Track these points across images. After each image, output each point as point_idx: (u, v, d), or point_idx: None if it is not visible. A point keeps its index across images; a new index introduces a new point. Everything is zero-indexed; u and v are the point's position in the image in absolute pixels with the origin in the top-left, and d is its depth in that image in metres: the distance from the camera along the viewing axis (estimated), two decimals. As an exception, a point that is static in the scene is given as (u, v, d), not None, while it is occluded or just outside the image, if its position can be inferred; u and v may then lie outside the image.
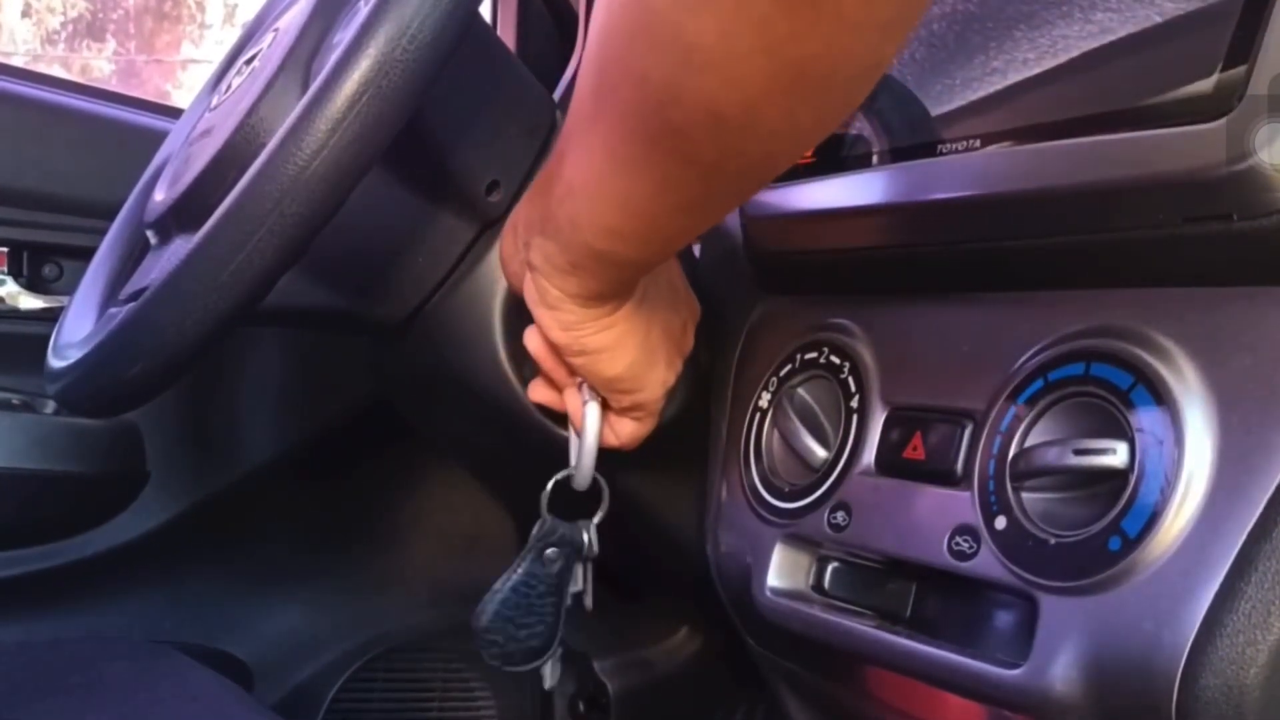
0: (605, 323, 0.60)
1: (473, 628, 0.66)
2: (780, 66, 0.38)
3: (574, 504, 0.68)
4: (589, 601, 0.68)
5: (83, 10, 3.16)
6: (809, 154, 0.63)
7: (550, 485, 0.66)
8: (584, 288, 0.57)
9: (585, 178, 0.51)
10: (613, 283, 0.57)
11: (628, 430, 0.65)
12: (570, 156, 0.52)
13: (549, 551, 0.66)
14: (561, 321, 0.59)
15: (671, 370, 0.65)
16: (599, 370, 0.62)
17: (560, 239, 0.55)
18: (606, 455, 0.66)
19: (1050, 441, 0.50)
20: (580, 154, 0.51)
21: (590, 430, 0.64)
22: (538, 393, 0.67)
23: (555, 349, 0.62)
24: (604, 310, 0.59)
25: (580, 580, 0.68)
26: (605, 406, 0.64)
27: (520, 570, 0.66)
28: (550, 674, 0.67)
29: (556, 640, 0.66)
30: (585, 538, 0.67)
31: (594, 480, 0.66)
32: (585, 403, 0.64)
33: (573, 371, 0.63)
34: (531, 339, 0.64)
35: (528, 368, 0.69)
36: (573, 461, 0.66)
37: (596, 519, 0.67)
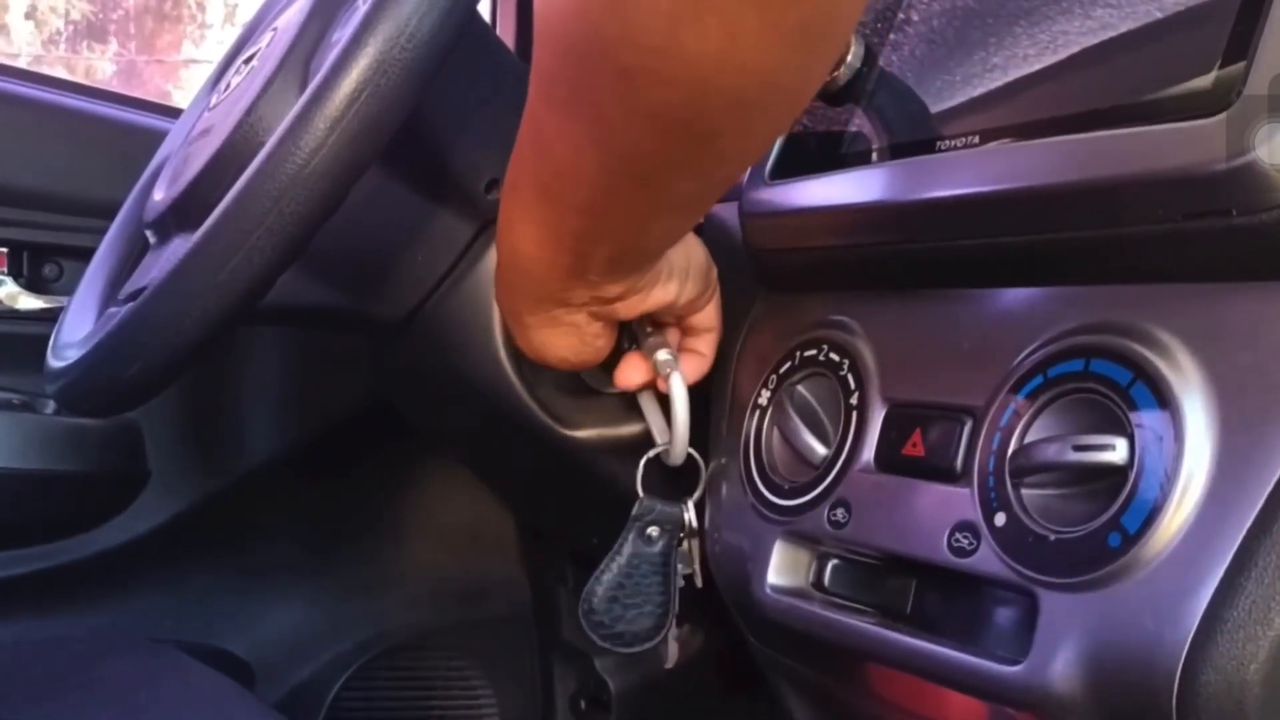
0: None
1: (580, 611, 0.65)
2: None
3: (669, 482, 0.67)
4: (699, 580, 0.67)
5: (86, 13, 3.16)
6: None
7: (643, 464, 0.65)
8: (630, 266, 0.57)
9: (559, 144, 0.48)
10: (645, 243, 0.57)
11: (695, 367, 0.66)
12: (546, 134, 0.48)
13: (650, 530, 0.65)
14: (573, 340, 0.59)
15: (699, 247, 0.65)
16: (694, 283, 0.62)
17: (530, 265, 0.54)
18: (606, 454, 0.66)
19: (1050, 438, 0.50)
20: (558, 122, 0.47)
21: (680, 401, 0.63)
22: (628, 376, 0.66)
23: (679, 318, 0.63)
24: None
25: (691, 560, 0.67)
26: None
27: (624, 551, 0.65)
28: (669, 654, 0.66)
29: (670, 619, 0.65)
30: (686, 516, 0.66)
31: (689, 456, 0.66)
32: (669, 375, 0.63)
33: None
34: (627, 373, 0.65)
35: (527, 366, 0.69)
36: (658, 439, 0.65)
37: (695, 496, 0.66)
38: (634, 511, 0.65)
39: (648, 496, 0.65)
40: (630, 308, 0.60)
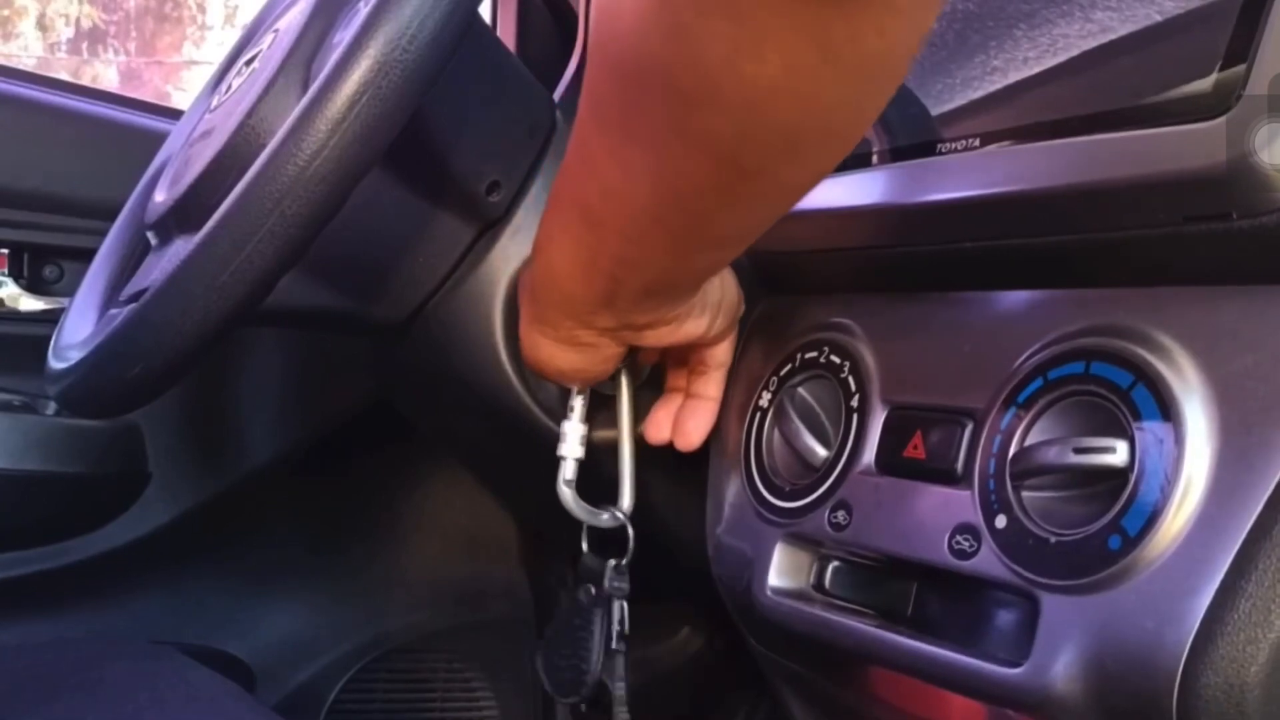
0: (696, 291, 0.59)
1: (538, 660, 0.68)
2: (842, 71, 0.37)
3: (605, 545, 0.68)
4: (614, 643, 0.68)
5: (97, 20, 3.16)
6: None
7: (585, 530, 0.67)
8: (662, 298, 0.56)
9: (610, 176, 0.47)
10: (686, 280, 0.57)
11: (704, 417, 0.67)
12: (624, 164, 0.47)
13: (588, 586, 0.67)
14: (676, 327, 0.59)
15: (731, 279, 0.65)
16: (724, 318, 0.63)
17: (624, 294, 0.54)
18: (606, 457, 0.66)
19: (1050, 440, 0.50)
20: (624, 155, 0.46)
21: (628, 459, 0.66)
22: (659, 432, 0.67)
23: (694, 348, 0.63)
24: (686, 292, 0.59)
25: (614, 620, 0.68)
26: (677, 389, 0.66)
27: (566, 604, 0.67)
28: (616, 714, 0.68)
29: (588, 677, 0.66)
30: (607, 579, 0.67)
31: (619, 521, 0.67)
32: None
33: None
34: (655, 429, 0.67)
35: (528, 368, 0.69)
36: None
37: (624, 560, 0.67)
38: (579, 567, 0.67)
39: (588, 553, 0.67)
40: (660, 337, 0.59)
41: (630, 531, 0.67)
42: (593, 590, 0.66)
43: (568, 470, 0.66)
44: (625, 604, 0.67)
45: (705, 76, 0.38)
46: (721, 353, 0.67)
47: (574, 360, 0.59)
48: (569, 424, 0.66)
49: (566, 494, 0.66)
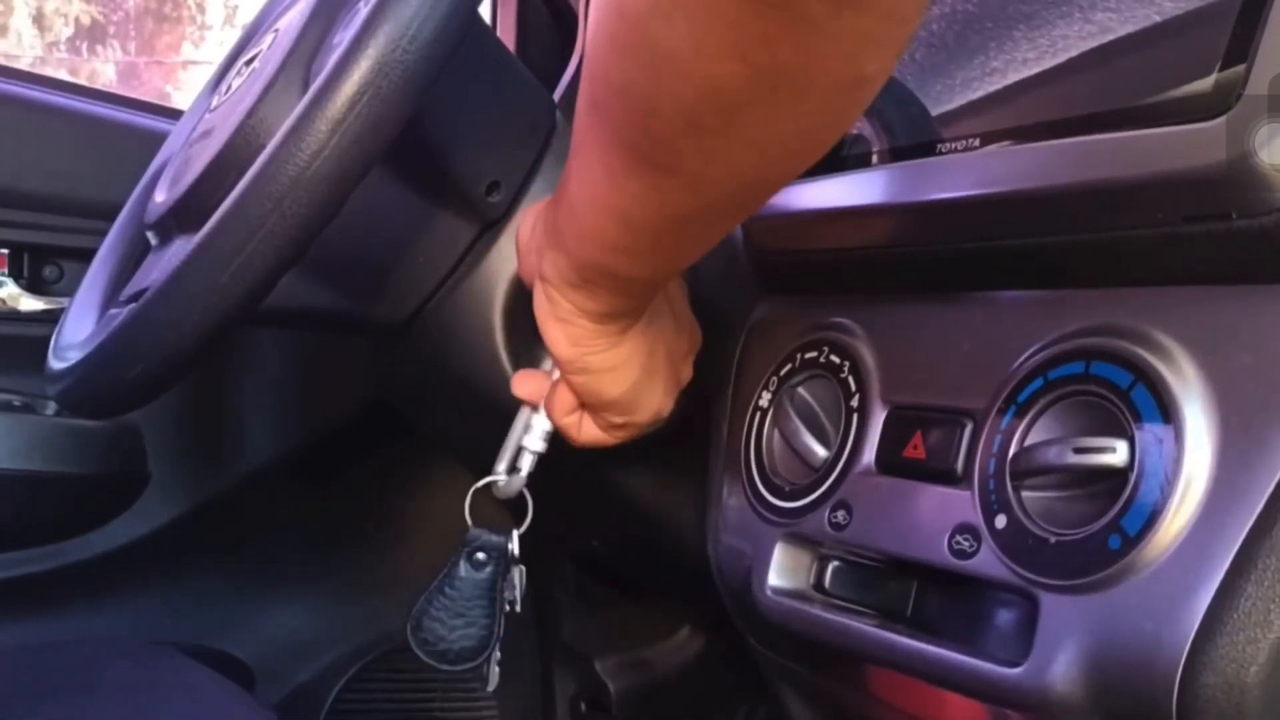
0: (612, 340, 0.58)
1: (408, 628, 0.66)
2: (754, 72, 0.38)
3: (500, 513, 0.68)
4: (518, 607, 0.68)
5: (95, 16, 3.16)
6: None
7: (470, 494, 0.66)
8: (595, 303, 0.56)
9: (585, 191, 0.50)
10: (623, 298, 0.56)
11: (591, 436, 0.64)
12: (573, 169, 0.52)
13: (478, 555, 0.67)
14: (570, 336, 0.57)
15: (668, 399, 0.64)
16: (599, 390, 0.60)
17: (567, 252, 0.54)
18: (607, 454, 0.66)
19: (1050, 440, 0.50)
20: (580, 166, 0.50)
21: (536, 438, 0.64)
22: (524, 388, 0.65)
23: (558, 364, 0.60)
24: (613, 329, 0.58)
25: (515, 587, 0.68)
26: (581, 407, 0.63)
27: (454, 575, 0.66)
28: (491, 677, 0.68)
29: (492, 643, 0.67)
30: (510, 546, 0.67)
31: (520, 493, 0.66)
32: (532, 413, 0.64)
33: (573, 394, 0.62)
34: (522, 385, 0.64)
35: (527, 367, 0.69)
36: (500, 467, 0.65)
37: (522, 528, 0.67)
38: (463, 538, 0.66)
39: (476, 525, 0.67)
40: (586, 384, 0.60)
41: (529, 501, 0.67)
42: (483, 557, 0.66)
43: (525, 462, 0.64)
44: (522, 571, 0.68)
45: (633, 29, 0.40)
46: (638, 430, 0.64)
47: (557, 333, 0.58)
48: (538, 416, 0.64)
49: (515, 484, 0.65)
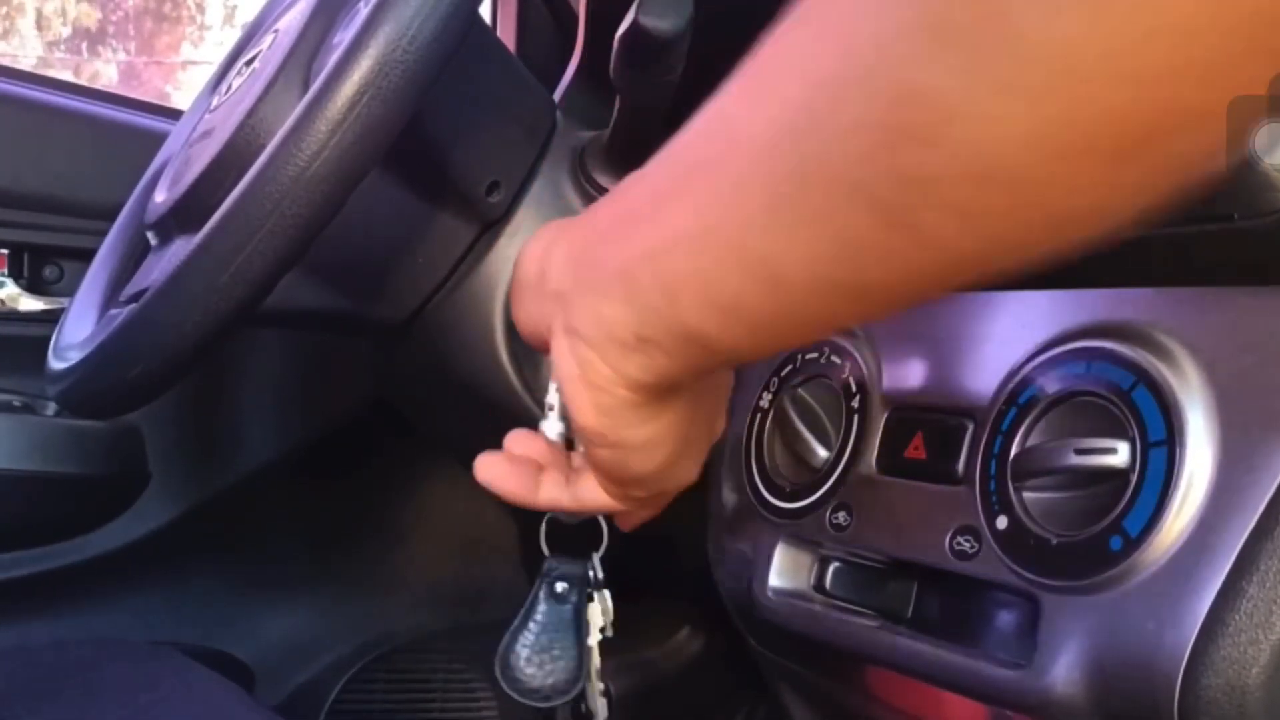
0: (654, 412, 0.44)
1: (498, 669, 0.64)
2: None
3: (575, 538, 0.67)
4: (609, 632, 0.67)
5: (95, 16, 3.16)
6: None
7: (545, 523, 0.62)
8: (648, 372, 0.41)
9: (709, 230, 0.36)
10: (692, 370, 0.41)
11: (598, 504, 0.53)
12: (681, 200, 0.37)
13: (558, 586, 0.65)
14: (601, 405, 0.43)
15: (699, 465, 0.51)
16: (627, 466, 0.47)
17: (637, 306, 0.39)
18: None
19: (1051, 441, 0.50)
20: (704, 198, 0.36)
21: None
22: (543, 496, 0.55)
23: (581, 435, 0.47)
24: (658, 400, 0.44)
25: (601, 614, 0.67)
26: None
27: (532, 607, 0.65)
28: (600, 710, 0.67)
29: (582, 675, 0.66)
30: (591, 573, 0.66)
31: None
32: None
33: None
34: (487, 469, 0.53)
35: (528, 368, 0.69)
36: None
37: (599, 552, 0.66)
38: (542, 569, 0.65)
39: (553, 555, 0.65)
40: (602, 448, 0.46)
41: (603, 522, 0.65)
42: (563, 587, 0.65)
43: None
44: (610, 596, 0.66)
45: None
46: (665, 500, 0.54)
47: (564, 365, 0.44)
48: (546, 423, 0.58)
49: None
